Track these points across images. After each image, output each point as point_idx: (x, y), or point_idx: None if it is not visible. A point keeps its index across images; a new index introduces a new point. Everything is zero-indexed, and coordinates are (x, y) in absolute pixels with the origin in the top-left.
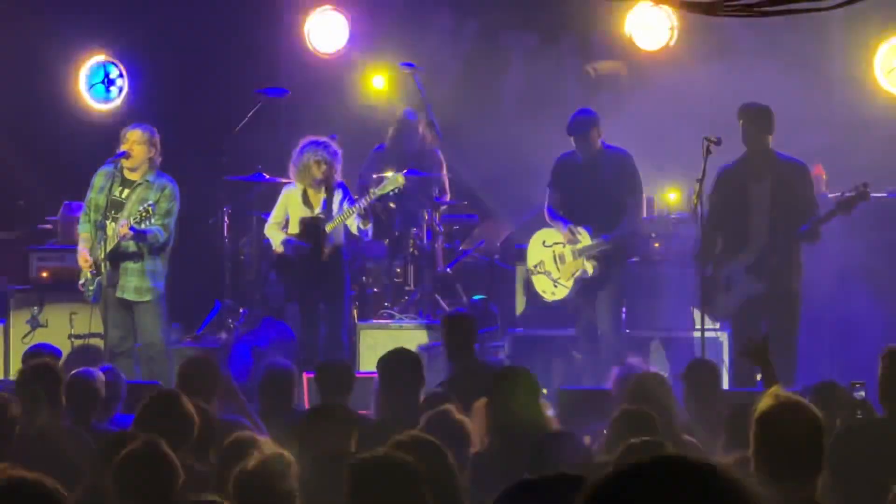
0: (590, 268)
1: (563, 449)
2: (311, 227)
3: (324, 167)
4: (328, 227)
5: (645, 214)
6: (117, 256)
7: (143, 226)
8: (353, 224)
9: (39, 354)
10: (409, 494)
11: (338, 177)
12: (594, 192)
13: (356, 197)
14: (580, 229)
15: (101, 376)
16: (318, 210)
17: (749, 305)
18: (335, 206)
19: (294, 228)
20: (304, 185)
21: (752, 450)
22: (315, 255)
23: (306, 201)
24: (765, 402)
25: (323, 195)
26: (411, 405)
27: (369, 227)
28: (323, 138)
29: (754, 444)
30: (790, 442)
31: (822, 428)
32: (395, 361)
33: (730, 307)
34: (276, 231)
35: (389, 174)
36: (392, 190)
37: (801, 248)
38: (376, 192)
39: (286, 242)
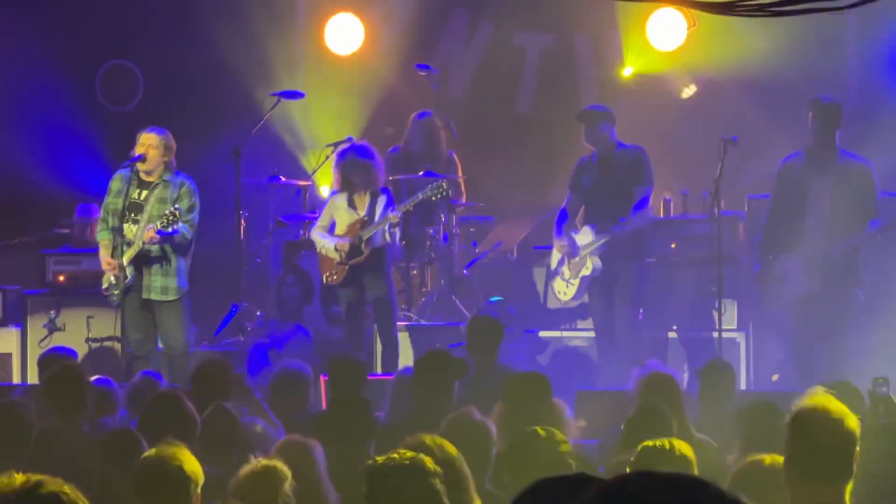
0: (590, 265)
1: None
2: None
3: (364, 172)
4: (364, 235)
5: (662, 215)
6: (141, 260)
7: (169, 230)
8: (387, 232)
9: (56, 357)
10: (426, 496)
11: (381, 182)
12: (605, 189)
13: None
14: (585, 228)
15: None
16: (362, 213)
17: (804, 302)
18: (378, 210)
19: (340, 231)
20: (348, 190)
21: (786, 448)
22: (357, 256)
23: (352, 204)
24: (802, 403)
25: (367, 199)
26: (444, 407)
27: (396, 231)
28: (363, 143)
29: (788, 443)
30: (823, 447)
31: (854, 437)
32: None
33: (784, 300)
34: (321, 234)
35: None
36: (435, 196)
37: (860, 250)
38: (419, 196)
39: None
